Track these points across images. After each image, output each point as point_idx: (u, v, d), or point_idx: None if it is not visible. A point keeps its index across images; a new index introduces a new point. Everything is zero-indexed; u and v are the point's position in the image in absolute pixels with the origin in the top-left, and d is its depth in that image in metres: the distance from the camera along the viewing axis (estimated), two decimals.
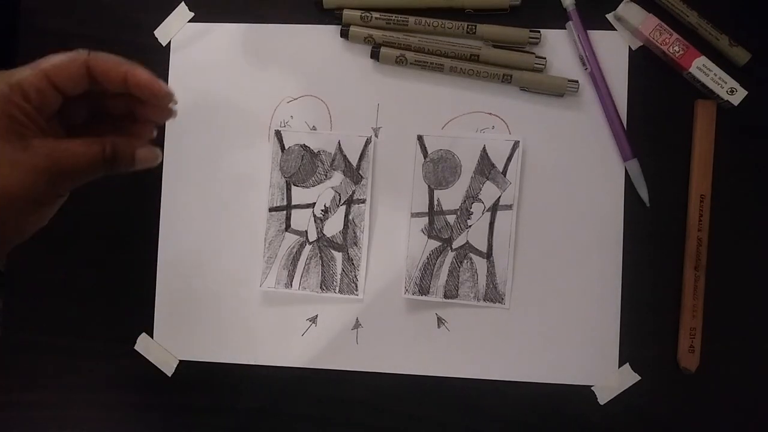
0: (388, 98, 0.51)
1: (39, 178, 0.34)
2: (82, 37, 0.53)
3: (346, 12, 0.50)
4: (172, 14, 0.52)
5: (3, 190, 0.33)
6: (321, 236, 0.50)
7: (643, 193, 0.48)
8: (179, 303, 0.52)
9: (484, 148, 0.49)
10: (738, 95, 0.47)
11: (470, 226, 0.49)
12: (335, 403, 0.50)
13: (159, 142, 0.52)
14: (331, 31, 0.51)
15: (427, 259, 0.49)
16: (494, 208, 0.49)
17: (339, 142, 0.51)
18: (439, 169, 0.50)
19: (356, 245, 0.50)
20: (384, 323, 0.50)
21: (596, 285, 0.49)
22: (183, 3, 0.52)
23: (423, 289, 0.49)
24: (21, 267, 0.53)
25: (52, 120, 0.36)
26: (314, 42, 0.51)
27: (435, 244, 0.49)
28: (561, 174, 0.49)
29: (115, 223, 0.52)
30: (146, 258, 0.51)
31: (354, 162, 0.50)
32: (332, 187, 0.50)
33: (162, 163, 0.52)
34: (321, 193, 0.50)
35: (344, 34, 0.50)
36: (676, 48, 0.47)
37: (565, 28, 0.49)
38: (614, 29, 0.49)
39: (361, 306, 0.50)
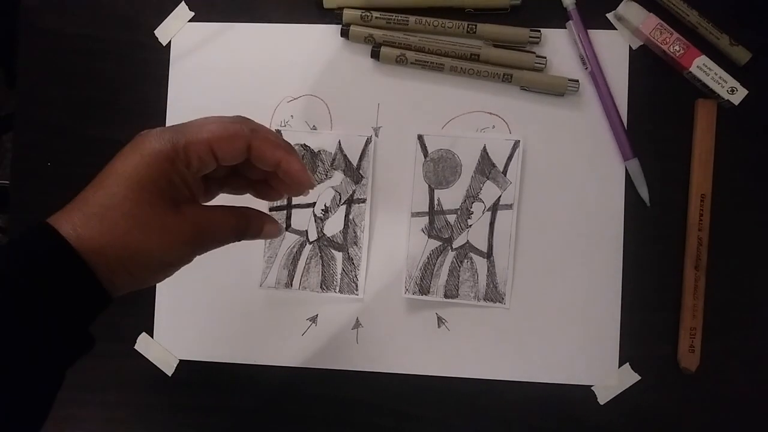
0: (388, 98, 0.50)
1: (182, 245, 0.34)
2: (82, 37, 0.53)
3: (346, 11, 0.50)
4: (172, 14, 0.52)
5: (147, 252, 0.33)
6: (321, 236, 0.50)
7: (643, 192, 0.48)
8: (179, 303, 0.52)
9: (484, 147, 0.49)
10: (738, 95, 0.47)
11: (470, 225, 0.49)
12: (335, 402, 0.50)
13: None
14: (331, 30, 0.51)
15: (428, 258, 0.49)
16: (494, 208, 0.49)
17: (339, 142, 0.50)
18: (440, 168, 0.50)
19: (356, 245, 0.50)
20: (384, 323, 0.50)
21: (596, 285, 0.48)
22: (183, 3, 0.52)
23: (423, 289, 0.49)
24: None
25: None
26: (314, 42, 0.51)
27: (435, 243, 0.49)
28: (561, 174, 0.49)
29: None
30: None
31: (354, 161, 0.50)
32: (332, 187, 0.50)
33: None
34: (321, 193, 0.50)
35: (344, 34, 0.50)
36: (677, 47, 0.47)
37: (566, 28, 0.49)
38: (614, 29, 0.49)
39: (362, 306, 0.50)
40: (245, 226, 0.37)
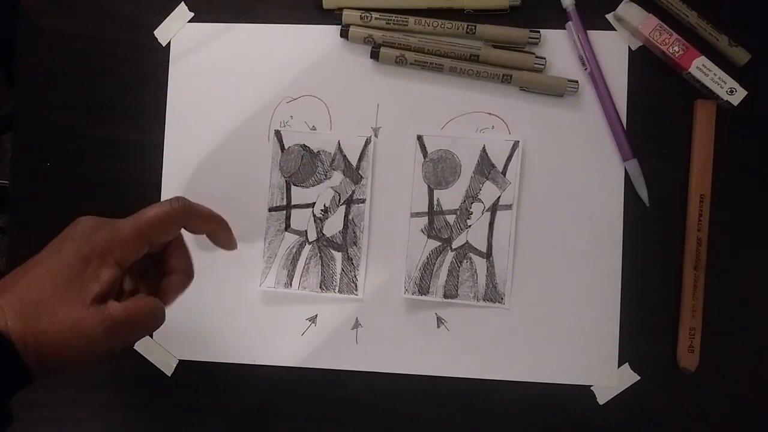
0: (388, 98, 0.51)
1: (98, 349, 0.36)
2: (82, 37, 0.53)
3: (346, 12, 0.50)
4: (172, 14, 0.52)
5: (61, 353, 0.35)
6: (321, 236, 0.50)
7: (643, 193, 0.48)
8: (179, 303, 0.51)
9: (483, 148, 0.49)
10: (738, 95, 0.47)
11: (470, 226, 0.49)
12: (335, 402, 0.50)
13: (159, 141, 0.52)
14: (331, 31, 0.51)
15: (427, 258, 0.49)
16: (494, 208, 0.49)
17: (339, 142, 0.51)
18: (439, 169, 0.50)
19: (356, 245, 0.50)
20: (384, 323, 0.50)
21: (596, 285, 0.48)
22: (183, 3, 0.52)
23: (423, 289, 0.49)
24: None
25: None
26: (314, 42, 0.51)
27: (435, 243, 0.49)
28: (561, 174, 0.49)
29: None
30: None
31: (354, 162, 0.50)
32: (332, 187, 0.50)
33: (162, 162, 0.52)
34: (321, 193, 0.50)
35: (344, 34, 0.50)
36: (676, 48, 0.47)
37: (565, 28, 0.49)
38: (614, 29, 0.49)
39: (361, 306, 0.50)
40: (158, 315, 0.40)
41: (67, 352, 0.35)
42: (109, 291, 0.36)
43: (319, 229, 0.50)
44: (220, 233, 0.43)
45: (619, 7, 0.48)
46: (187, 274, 0.43)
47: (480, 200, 0.49)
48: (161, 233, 0.39)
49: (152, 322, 0.39)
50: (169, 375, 0.51)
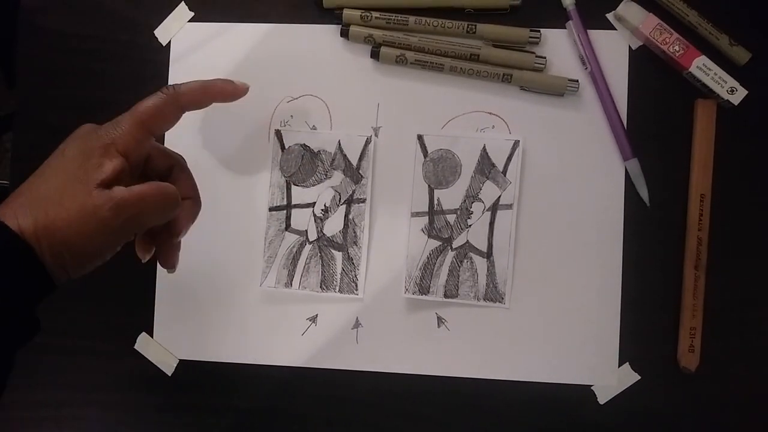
0: (388, 98, 0.51)
1: (104, 233, 0.36)
2: (82, 37, 0.53)
3: (346, 12, 0.50)
4: (172, 14, 0.52)
5: (72, 242, 0.35)
6: (321, 236, 0.50)
7: (643, 193, 0.48)
8: (179, 303, 0.52)
9: (484, 147, 0.49)
10: (738, 95, 0.47)
11: (470, 225, 0.49)
12: (335, 402, 0.50)
13: (158, 141, 0.52)
14: (331, 30, 0.51)
15: (427, 258, 0.49)
16: (494, 208, 0.49)
17: (339, 142, 0.51)
18: (439, 168, 0.50)
19: (356, 245, 0.50)
20: (384, 323, 0.50)
21: (596, 285, 0.48)
22: (183, 3, 0.52)
23: (423, 289, 0.49)
24: None
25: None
26: (314, 42, 0.51)
27: (435, 243, 0.49)
28: (561, 174, 0.49)
29: None
30: None
31: (354, 161, 0.50)
32: (332, 187, 0.50)
33: None
34: (321, 193, 0.50)
35: (344, 34, 0.50)
36: (676, 47, 0.47)
37: (565, 28, 0.49)
38: (614, 29, 0.49)
39: (361, 305, 0.50)
40: (168, 200, 0.39)
41: (79, 239, 0.35)
42: (114, 179, 0.36)
43: (319, 229, 0.50)
44: (223, 93, 0.44)
45: (620, 6, 0.48)
46: (195, 200, 0.43)
47: (480, 200, 0.49)
48: (160, 121, 0.39)
49: (163, 204, 0.39)
50: (170, 375, 0.51)
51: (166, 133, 0.52)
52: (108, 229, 0.36)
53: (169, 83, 0.52)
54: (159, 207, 0.38)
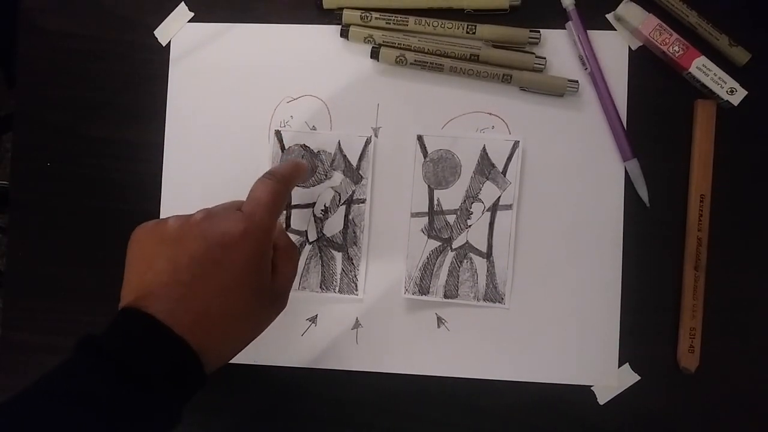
0: (388, 98, 0.51)
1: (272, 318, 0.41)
2: (82, 37, 0.53)
3: (346, 12, 0.50)
4: (172, 14, 0.52)
5: (244, 344, 0.39)
6: (321, 236, 0.50)
7: (643, 193, 0.48)
8: None
9: (484, 147, 0.49)
10: (738, 95, 0.47)
11: (470, 225, 0.49)
12: (335, 403, 0.50)
13: (159, 141, 0.52)
14: (331, 31, 0.51)
15: (427, 258, 0.49)
16: (494, 208, 0.49)
17: (339, 142, 0.51)
18: (439, 168, 0.50)
19: (356, 245, 0.50)
20: (384, 323, 0.50)
21: (596, 285, 0.48)
22: (183, 3, 0.52)
23: (423, 289, 0.49)
24: (21, 267, 0.53)
25: None
26: (314, 42, 0.51)
27: (435, 243, 0.49)
28: (561, 174, 0.49)
29: (115, 223, 0.52)
30: None
31: (354, 162, 0.50)
32: (332, 187, 0.50)
33: (162, 162, 0.52)
34: (321, 193, 0.50)
35: (344, 34, 0.50)
36: (676, 48, 0.47)
37: (565, 28, 0.49)
38: (614, 29, 0.49)
39: (361, 306, 0.50)
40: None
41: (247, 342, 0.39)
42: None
43: (319, 229, 0.50)
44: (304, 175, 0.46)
45: (619, 6, 0.48)
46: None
47: (480, 200, 0.49)
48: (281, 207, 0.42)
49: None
50: None
51: (166, 134, 0.52)
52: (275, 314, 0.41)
53: (170, 83, 0.52)
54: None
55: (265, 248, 0.38)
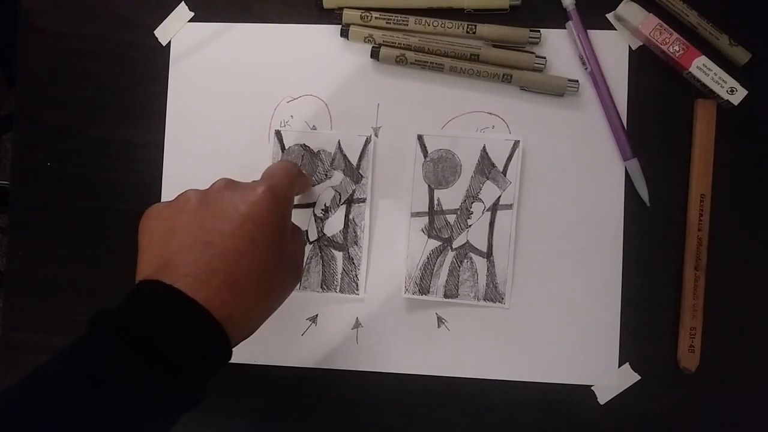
0: (388, 98, 0.51)
1: (290, 289, 0.42)
2: (82, 37, 0.53)
3: (346, 12, 0.50)
4: (172, 14, 0.52)
5: (266, 315, 0.40)
6: (321, 236, 0.50)
7: (643, 193, 0.48)
8: None
9: (484, 147, 0.49)
10: (738, 95, 0.47)
11: (470, 225, 0.49)
12: (335, 402, 0.50)
13: (159, 141, 0.52)
14: (331, 31, 0.51)
15: (427, 258, 0.49)
16: (494, 208, 0.49)
17: (339, 142, 0.50)
18: (439, 168, 0.50)
19: (357, 244, 0.50)
20: (384, 323, 0.50)
21: (596, 285, 0.48)
22: (183, 3, 0.52)
23: (423, 289, 0.49)
24: (21, 267, 0.53)
25: None
26: (314, 42, 0.51)
27: (435, 243, 0.49)
28: (561, 174, 0.49)
29: (115, 223, 0.52)
30: None
31: (354, 161, 0.50)
32: (332, 187, 0.50)
33: (162, 162, 0.52)
34: (321, 193, 0.50)
35: (344, 34, 0.50)
36: (676, 47, 0.47)
37: (565, 28, 0.49)
38: (614, 29, 0.49)
39: (362, 305, 0.50)
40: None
41: (270, 312, 0.40)
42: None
43: (319, 229, 0.50)
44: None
45: (620, 6, 0.48)
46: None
47: (480, 200, 0.49)
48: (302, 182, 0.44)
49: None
50: None
51: (166, 134, 0.52)
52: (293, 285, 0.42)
53: (170, 83, 0.52)
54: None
55: (285, 209, 0.39)
